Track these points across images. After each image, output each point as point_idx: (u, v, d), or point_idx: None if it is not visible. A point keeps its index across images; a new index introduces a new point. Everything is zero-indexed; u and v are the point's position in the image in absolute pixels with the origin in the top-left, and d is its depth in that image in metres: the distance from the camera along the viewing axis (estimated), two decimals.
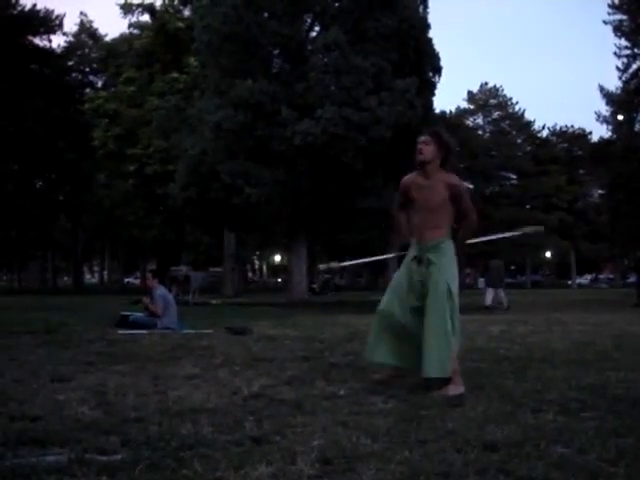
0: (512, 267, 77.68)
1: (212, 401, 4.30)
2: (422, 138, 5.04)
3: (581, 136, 64.49)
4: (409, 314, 5.04)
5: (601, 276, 72.55)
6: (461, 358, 5.09)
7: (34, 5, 43.37)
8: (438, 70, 26.19)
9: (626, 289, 42.14)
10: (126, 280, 67.55)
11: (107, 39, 51.87)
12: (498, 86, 65.75)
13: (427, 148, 4.99)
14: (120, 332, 9.53)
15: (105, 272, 72.66)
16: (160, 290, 10.69)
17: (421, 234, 5.07)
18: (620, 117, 39.90)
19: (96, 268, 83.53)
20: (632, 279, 46.97)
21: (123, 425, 3.59)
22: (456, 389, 4.66)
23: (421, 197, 5.04)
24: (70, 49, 50.62)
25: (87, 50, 52.53)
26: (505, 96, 65.65)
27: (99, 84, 50.28)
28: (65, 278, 74.47)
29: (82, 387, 4.82)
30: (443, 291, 4.83)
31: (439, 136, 5.08)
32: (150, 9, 43.13)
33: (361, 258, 8.08)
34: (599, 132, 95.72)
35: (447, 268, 4.96)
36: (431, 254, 4.98)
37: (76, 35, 52.31)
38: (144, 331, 9.58)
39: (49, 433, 3.35)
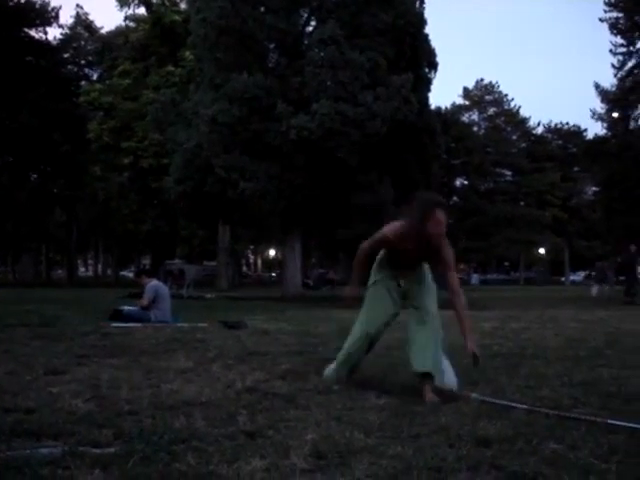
0: (505, 263, 77.76)
1: (205, 395, 4.30)
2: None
3: (576, 133, 64.55)
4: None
5: (594, 273, 72.40)
6: (454, 354, 5.09)
7: None
8: (434, 66, 26.27)
9: (619, 287, 42.20)
10: (120, 273, 67.38)
11: (103, 32, 51.77)
12: (494, 82, 65.86)
13: None
14: (114, 325, 9.52)
15: (99, 265, 72.54)
16: (151, 282, 10.66)
17: None
18: (615, 114, 40.11)
19: (90, 261, 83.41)
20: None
21: (116, 418, 3.59)
22: None
23: None
24: (66, 41, 50.46)
25: (83, 43, 52.37)
26: (501, 92, 65.73)
27: (94, 77, 50.11)
28: (59, 271, 74.28)
29: (76, 380, 4.81)
30: None
31: None
32: (146, 2, 42.97)
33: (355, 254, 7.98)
34: (594, 129, 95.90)
35: None
36: None
37: (72, 27, 52.11)
38: (138, 324, 9.58)
39: (43, 425, 3.35)
